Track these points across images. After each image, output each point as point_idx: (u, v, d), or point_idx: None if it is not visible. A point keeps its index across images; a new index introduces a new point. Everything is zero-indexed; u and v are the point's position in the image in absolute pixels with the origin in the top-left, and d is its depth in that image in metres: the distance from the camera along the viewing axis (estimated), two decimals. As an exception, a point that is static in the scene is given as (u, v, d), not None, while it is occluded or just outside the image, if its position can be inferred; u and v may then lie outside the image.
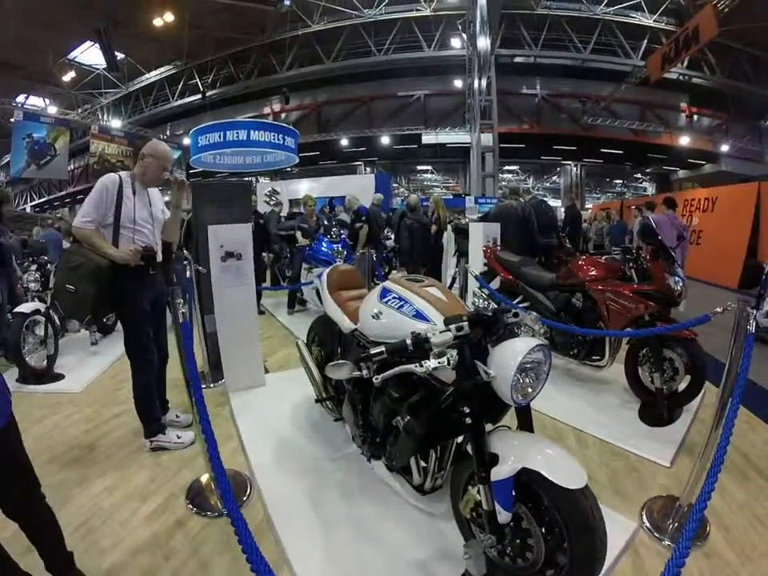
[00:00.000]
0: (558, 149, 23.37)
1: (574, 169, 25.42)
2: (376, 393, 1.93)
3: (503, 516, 1.50)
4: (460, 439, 1.82)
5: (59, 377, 4.03)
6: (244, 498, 2.39)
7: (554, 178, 27.57)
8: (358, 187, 17.46)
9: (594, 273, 3.48)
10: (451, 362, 1.43)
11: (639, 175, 27.80)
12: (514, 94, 21.55)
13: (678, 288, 3.20)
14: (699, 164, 22.89)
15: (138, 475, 2.62)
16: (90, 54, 19.07)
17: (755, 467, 2.66)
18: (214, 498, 2.36)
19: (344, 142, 23.10)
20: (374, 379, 1.49)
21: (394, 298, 1.91)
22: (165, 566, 1.95)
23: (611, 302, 3.29)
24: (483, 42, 14.72)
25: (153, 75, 22.70)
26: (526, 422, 1.67)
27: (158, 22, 17.67)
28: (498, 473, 1.48)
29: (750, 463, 2.70)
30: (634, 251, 3.47)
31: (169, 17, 17.47)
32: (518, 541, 1.56)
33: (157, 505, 2.36)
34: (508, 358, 1.45)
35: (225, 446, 2.73)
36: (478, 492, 1.54)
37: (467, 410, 1.52)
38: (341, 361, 1.59)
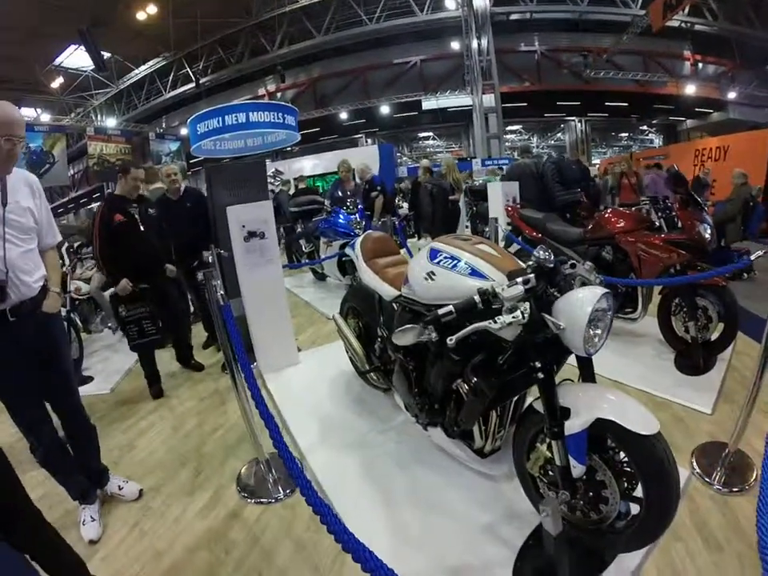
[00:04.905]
0: (562, 105, 22.72)
1: (578, 125, 24.86)
2: (433, 358, 1.90)
3: (578, 470, 1.51)
4: (516, 397, 1.82)
5: (88, 379, 3.98)
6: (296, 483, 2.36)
7: (559, 135, 26.99)
8: (363, 159, 17.24)
9: (623, 225, 3.43)
10: (525, 315, 1.39)
11: (645, 127, 27.13)
12: (512, 52, 21.01)
13: (708, 236, 3.15)
14: (707, 113, 22.26)
15: (184, 469, 2.59)
16: (76, 58, 18.82)
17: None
18: (267, 484, 2.32)
19: (343, 115, 22.78)
20: (447, 340, 1.43)
21: (445, 257, 1.84)
22: (227, 559, 1.92)
23: (643, 253, 3.25)
24: (480, 0, 14.33)
25: (142, 70, 22.40)
26: (588, 372, 1.64)
27: (141, 15, 17.36)
28: (571, 426, 1.48)
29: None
30: (661, 201, 3.40)
31: (152, 9, 17.16)
32: (591, 494, 1.57)
33: (208, 498, 2.32)
34: (577, 308, 1.40)
35: (263, 431, 2.57)
36: (548, 448, 1.54)
37: (538, 365, 1.49)
38: (408, 326, 1.54)
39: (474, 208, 7.86)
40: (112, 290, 3.41)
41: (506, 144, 20.56)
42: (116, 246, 3.30)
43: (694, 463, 2.24)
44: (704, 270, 3.13)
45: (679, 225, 3.24)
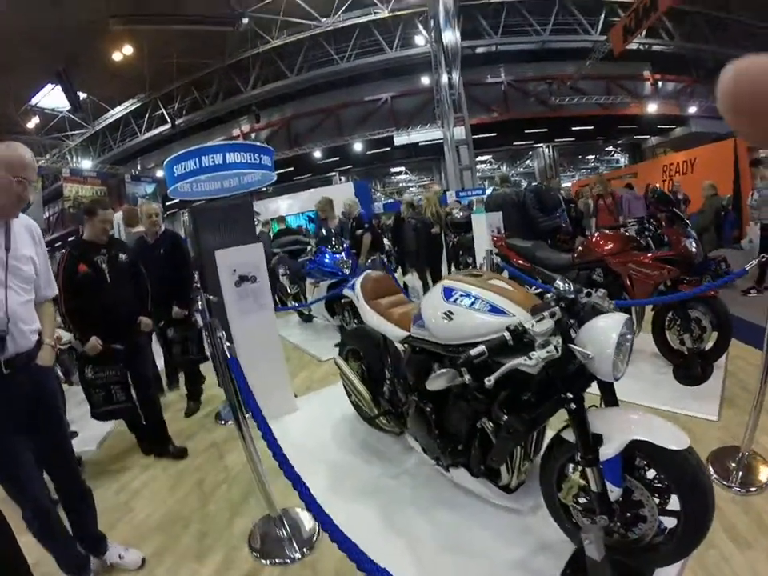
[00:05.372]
0: (530, 132, 23.43)
1: (546, 150, 25.54)
2: (455, 398, 1.86)
3: (615, 493, 1.50)
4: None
5: (72, 435, 3.58)
6: (314, 539, 2.19)
7: (527, 162, 27.71)
8: (341, 197, 17.34)
9: (611, 247, 3.49)
10: (558, 349, 1.37)
11: (611, 148, 28.04)
12: (480, 84, 21.64)
13: (694, 249, 3.24)
14: (669, 129, 23.21)
15: (187, 532, 2.37)
16: (52, 98, 18.80)
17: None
18: (282, 542, 2.15)
19: (317, 154, 23.04)
20: (486, 381, 1.41)
21: (462, 295, 1.79)
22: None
23: (634, 272, 3.32)
24: (450, 35, 14.84)
25: (118, 111, 22.43)
26: (611, 396, 1.64)
27: (117, 56, 17.47)
28: (606, 451, 1.47)
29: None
30: (646, 221, 3.51)
31: (128, 50, 17.30)
32: (629, 514, 1.56)
33: (219, 562, 2.11)
34: (603, 335, 1.41)
35: (272, 485, 2.24)
36: (581, 476, 1.52)
37: (570, 396, 1.48)
38: (442, 370, 1.52)
39: (456, 239, 7.86)
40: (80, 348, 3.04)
41: (477, 174, 21.02)
42: (81, 300, 2.93)
43: (711, 469, 2.26)
44: (692, 282, 3.24)
45: (666, 241, 3.32)
